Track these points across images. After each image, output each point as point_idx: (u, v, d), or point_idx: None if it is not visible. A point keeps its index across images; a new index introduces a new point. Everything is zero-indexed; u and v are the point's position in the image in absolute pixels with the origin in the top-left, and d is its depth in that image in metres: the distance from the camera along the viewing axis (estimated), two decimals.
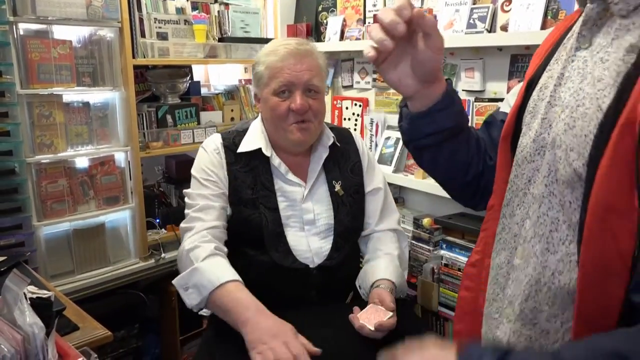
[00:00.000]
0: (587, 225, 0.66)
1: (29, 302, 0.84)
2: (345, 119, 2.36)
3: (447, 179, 1.02)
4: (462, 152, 0.94)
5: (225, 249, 1.39)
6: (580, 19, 0.73)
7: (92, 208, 1.98)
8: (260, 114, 1.52)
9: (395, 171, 2.07)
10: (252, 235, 1.42)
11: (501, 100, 1.73)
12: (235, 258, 1.40)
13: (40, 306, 0.84)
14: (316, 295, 1.42)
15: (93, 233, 1.99)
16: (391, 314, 1.26)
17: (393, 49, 0.78)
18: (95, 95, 1.96)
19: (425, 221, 1.94)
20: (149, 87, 2.32)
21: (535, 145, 0.78)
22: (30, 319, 0.78)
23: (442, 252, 1.84)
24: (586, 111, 0.67)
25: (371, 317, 1.25)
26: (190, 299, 1.29)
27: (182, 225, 1.43)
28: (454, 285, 1.80)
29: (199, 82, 2.53)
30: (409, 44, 0.81)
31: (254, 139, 1.47)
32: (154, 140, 2.19)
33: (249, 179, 1.45)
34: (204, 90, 2.58)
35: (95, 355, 0.93)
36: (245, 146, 1.46)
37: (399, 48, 0.80)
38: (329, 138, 1.51)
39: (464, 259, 1.76)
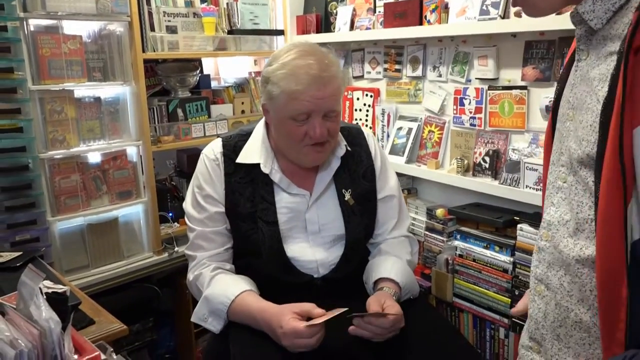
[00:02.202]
0: (601, 199, 0.78)
1: (44, 297, 0.84)
2: (356, 109, 2.34)
3: None
4: None
5: (229, 266, 1.42)
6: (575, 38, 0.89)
7: (105, 203, 1.99)
8: (264, 119, 1.44)
9: (407, 162, 2.05)
10: (250, 249, 1.40)
11: (516, 87, 1.70)
12: (238, 268, 1.43)
13: (55, 301, 0.85)
14: (321, 304, 1.34)
15: (107, 228, 2.00)
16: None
17: None
18: (106, 90, 1.96)
19: (439, 212, 1.93)
20: (159, 81, 2.32)
21: (561, 146, 0.91)
22: (46, 314, 0.79)
23: (457, 242, 1.82)
24: (588, 106, 0.82)
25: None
26: (214, 326, 1.33)
27: (186, 252, 1.46)
28: (468, 275, 1.78)
29: (208, 75, 2.53)
30: None
31: (254, 151, 1.40)
32: (165, 134, 2.19)
33: (247, 190, 1.39)
34: (214, 84, 2.57)
35: (112, 349, 0.93)
36: (243, 157, 1.40)
37: None
38: (342, 148, 1.43)
39: (478, 249, 1.74)
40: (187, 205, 1.46)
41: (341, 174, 1.44)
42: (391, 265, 1.39)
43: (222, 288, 1.33)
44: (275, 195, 1.40)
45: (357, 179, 1.46)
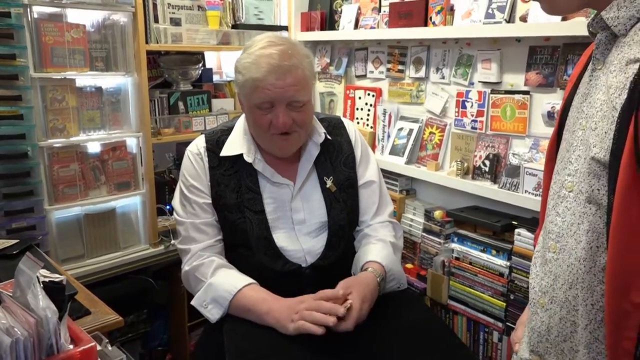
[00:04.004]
0: (616, 205, 0.76)
1: (41, 285, 0.84)
2: (357, 108, 2.34)
3: None
4: None
5: (224, 259, 1.42)
6: (594, 45, 0.87)
7: (104, 193, 1.98)
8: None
9: (407, 162, 2.05)
10: (240, 239, 1.41)
11: (519, 92, 1.71)
12: (227, 259, 1.43)
13: (53, 290, 0.84)
14: (311, 293, 1.36)
15: (104, 218, 2.00)
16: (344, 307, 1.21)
17: None
18: (108, 80, 1.96)
19: (437, 213, 1.93)
20: (161, 73, 2.31)
21: (568, 155, 0.89)
22: (43, 303, 0.78)
23: (453, 245, 1.82)
24: (604, 114, 0.80)
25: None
26: (212, 314, 1.32)
27: (178, 245, 1.46)
28: (464, 278, 1.78)
29: (211, 69, 2.52)
30: None
31: (237, 143, 1.43)
32: (165, 126, 2.18)
33: (232, 182, 1.41)
34: (215, 78, 2.57)
35: (107, 340, 0.93)
36: (227, 150, 1.42)
37: None
38: (320, 135, 1.46)
39: (475, 253, 1.75)
40: (176, 202, 1.48)
41: (322, 162, 1.47)
42: (377, 250, 1.41)
43: (229, 278, 1.34)
44: (260, 185, 1.42)
45: (338, 166, 1.49)
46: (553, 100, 1.60)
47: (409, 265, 2.06)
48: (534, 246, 1.19)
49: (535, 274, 0.97)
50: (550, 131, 1.62)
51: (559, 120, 0.98)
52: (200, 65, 2.39)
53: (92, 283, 1.94)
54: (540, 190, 1.56)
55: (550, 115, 1.59)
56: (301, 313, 1.21)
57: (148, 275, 2.24)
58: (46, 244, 1.84)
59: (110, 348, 0.92)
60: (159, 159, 2.31)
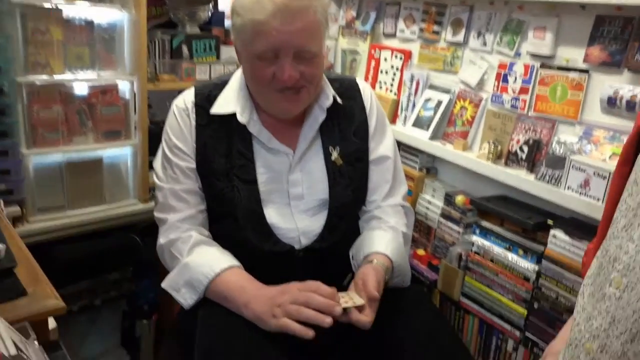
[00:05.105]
0: None
1: None
2: (382, 71, 2.08)
3: None
4: None
5: (206, 232, 1.24)
6: None
7: (90, 141, 1.79)
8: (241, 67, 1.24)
9: (432, 138, 1.81)
10: (225, 212, 1.21)
11: (575, 70, 1.44)
12: (211, 232, 1.25)
13: None
14: (303, 279, 1.17)
15: (89, 168, 1.81)
16: (360, 302, 1.04)
17: None
18: (101, 14, 1.72)
19: (459, 199, 1.70)
20: (166, 11, 2.07)
21: None
22: None
23: (475, 237, 1.61)
24: None
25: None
26: (185, 299, 1.15)
27: (156, 214, 1.26)
28: (482, 276, 1.57)
29: (223, 12, 2.26)
30: None
31: (230, 99, 1.22)
32: (165, 72, 1.96)
33: (222, 145, 1.21)
34: (227, 23, 2.31)
35: (34, 337, 0.74)
36: (218, 107, 1.21)
37: None
38: (328, 98, 1.24)
39: (498, 250, 1.53)
40: (157, 163, 1.28)
41: (330, 129, 1.27)
42: (387, 241, 1.23)
43: (208, 258, 1.16)
44: (254, 151, 1.22)
45: (348, 136, 1.28)
46: (617, 83, 1.33)
47: (421, 252, 1.85)
48: (583, 263, 0.98)
49: (582, 308, 0.76)
50: (609, 120, 1.37)
51: None
52: (211, 6, 2.14)
53: (73, 236, 1.79)
54: (588, 189, 1.32)
55: (611, 101, 1.33)
56: (286, 307, 1.02)
57: (136, 232, 2.08)
58: (22, 191, 1.67)
59: (37, 346, 0.73)
60: (157, 108, 2.09)
